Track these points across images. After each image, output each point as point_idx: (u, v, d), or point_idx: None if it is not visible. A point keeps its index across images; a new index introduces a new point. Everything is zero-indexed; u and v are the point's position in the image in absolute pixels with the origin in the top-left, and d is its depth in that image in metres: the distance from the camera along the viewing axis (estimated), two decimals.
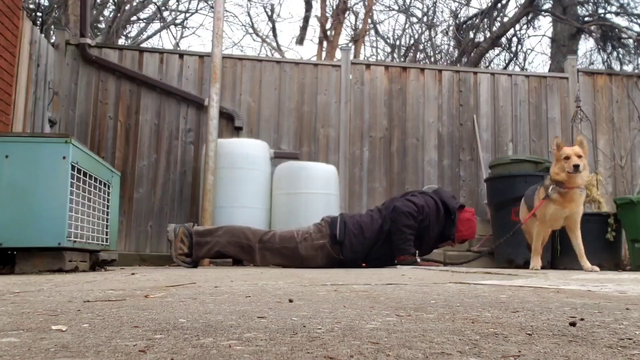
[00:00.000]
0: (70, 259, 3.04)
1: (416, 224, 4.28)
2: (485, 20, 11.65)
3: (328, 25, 12.18)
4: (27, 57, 5.33)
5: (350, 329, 0.93)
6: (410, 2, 13.45)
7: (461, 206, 4.56)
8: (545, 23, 26.58)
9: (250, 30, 14.42)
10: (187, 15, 13.31)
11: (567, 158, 4.13)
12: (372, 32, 14.11)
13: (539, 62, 28.56)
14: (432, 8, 12.93)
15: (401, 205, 4.29)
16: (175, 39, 14.22)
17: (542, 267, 5.33)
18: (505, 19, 11.87)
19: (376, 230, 4.31)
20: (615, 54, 11.47)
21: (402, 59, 12.80)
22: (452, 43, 12.24)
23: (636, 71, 9.28)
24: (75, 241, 3.03)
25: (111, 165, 4.09)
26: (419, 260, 4.34)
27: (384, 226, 4.31)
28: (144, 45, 12.09)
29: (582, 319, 1.07)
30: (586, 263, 4.25)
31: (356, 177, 6.39)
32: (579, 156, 4.14)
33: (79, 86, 6.08)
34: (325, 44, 12.35)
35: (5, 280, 2.25)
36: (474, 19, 12.16)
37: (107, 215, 3.76)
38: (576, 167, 4.06)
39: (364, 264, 4.37)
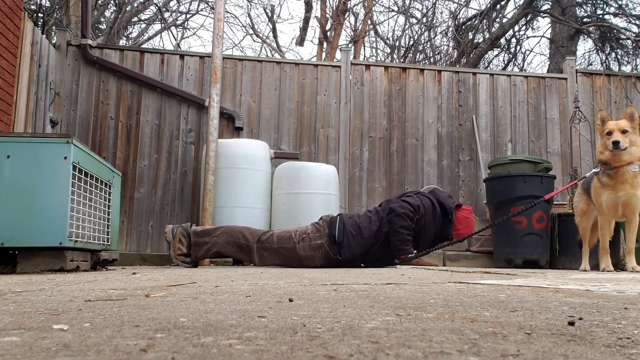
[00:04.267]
0: (71, 258, 3.04)
1: (413, 224, 4.29)
2: (485, 21, 11.65)
3: (328, 26, 12.19)
4: (29, 57, 5.34)
5: (350, 328, 0.93)
6: (409, 3, 13.45)
7: (458, 205, 4.57)
8: (544, 24, 26.60)
9: (251, 31, 14.42)
10: (188, 16, 13.31)
11: (610, 134, 3.69)
12: (372, 32, 14.13)
13: (538, 62, 28.65)
14: (431, 9, 12.94)
15: (397, 207, 4.30)
16: (176, 40, 14.21)
17: (541, 267, 5.32)
18: (504, 20, 11.87)
19: (374, 231, 4.32)
20: (613, 54, 11.47)
21: (401, 60, 12.80)
22: (451, 44, 12.24)
23: (634, 72, 9.28)
24: (76, 241, 3.04)
25: (112, 166, 4.10)
26: (419, 255, 4.34)
27: (382, 228, 4.32)
28: (145, 46, 12.10)
29: (580, 319, 1.07)
30: (632, 262, 3.74)
31: (356, 177, 6.39)
32: (624, 131, 3.67)
33: (80, 87, 6.08)
34: (325, 44, 12.36)
35: (7, 280, 2.26)
36: (473, 20, 12.16)
37: (108, 215, 3.77)
38: (616, 144, 3.58)
39: (362, 264, 4.38)
